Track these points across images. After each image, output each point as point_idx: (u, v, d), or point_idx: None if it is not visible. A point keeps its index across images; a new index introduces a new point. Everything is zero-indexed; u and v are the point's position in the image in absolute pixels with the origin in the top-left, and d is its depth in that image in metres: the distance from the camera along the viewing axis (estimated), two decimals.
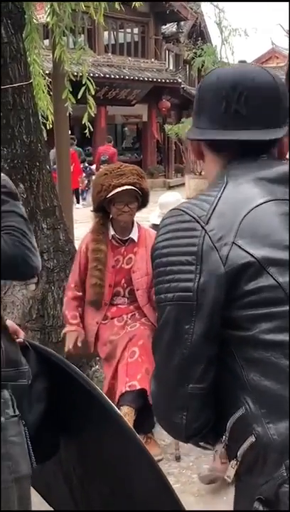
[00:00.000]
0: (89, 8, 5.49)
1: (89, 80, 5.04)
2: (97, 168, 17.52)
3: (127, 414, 3.20)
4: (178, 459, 3.25)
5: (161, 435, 3.42)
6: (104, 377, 3.55)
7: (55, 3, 4.89)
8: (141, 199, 3.56)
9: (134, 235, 3.63)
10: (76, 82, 5.08)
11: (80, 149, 18.14)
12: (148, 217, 5.05)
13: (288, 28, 19.76)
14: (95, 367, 4.33)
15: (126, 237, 3.62)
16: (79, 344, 3.57)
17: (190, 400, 1.23)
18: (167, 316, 1.22)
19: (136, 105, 24.31)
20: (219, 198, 1.23)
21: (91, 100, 5.16)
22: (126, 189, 3.42)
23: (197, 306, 1.18)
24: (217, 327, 1.20)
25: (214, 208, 1.21)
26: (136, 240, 3.62)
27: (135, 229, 3.64)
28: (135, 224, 3.65)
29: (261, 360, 1.16)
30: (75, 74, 5.18)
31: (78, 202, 16.19)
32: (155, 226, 4.83)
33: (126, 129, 26.50)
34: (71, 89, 4.99)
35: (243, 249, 1.17)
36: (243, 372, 1.18)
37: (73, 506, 2.22)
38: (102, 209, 3.56)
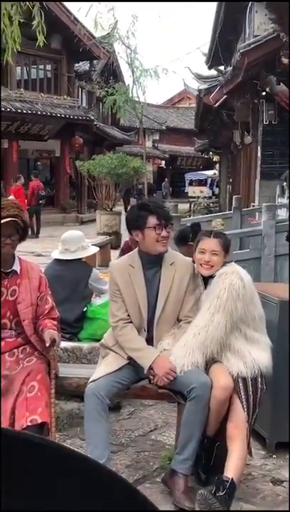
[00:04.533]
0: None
1: None
2: (30, 203, 17.56)
3: None
4: None
5: None
6: None
7: None
8: (22, 232, 3.63)
9: (16, 267, 3.68)
10: None
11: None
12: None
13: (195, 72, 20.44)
14: None
15: (9, 270, 3.66)
16: None
17: None
18: None
19: (48, 140, 24.36)
20: None
21: None
22: (9, 221, 3.49)
23: None
24: None
25: None
26: (18, 272, 3.67)
27: (16, 261, 3.70)
28: (16, 257, 3.71)
29: None
30: None
31: None
32: (57, 261, 4.82)
33: (38, 163, 26.42)
34: None
35: None
36: None
37: None
38: None
